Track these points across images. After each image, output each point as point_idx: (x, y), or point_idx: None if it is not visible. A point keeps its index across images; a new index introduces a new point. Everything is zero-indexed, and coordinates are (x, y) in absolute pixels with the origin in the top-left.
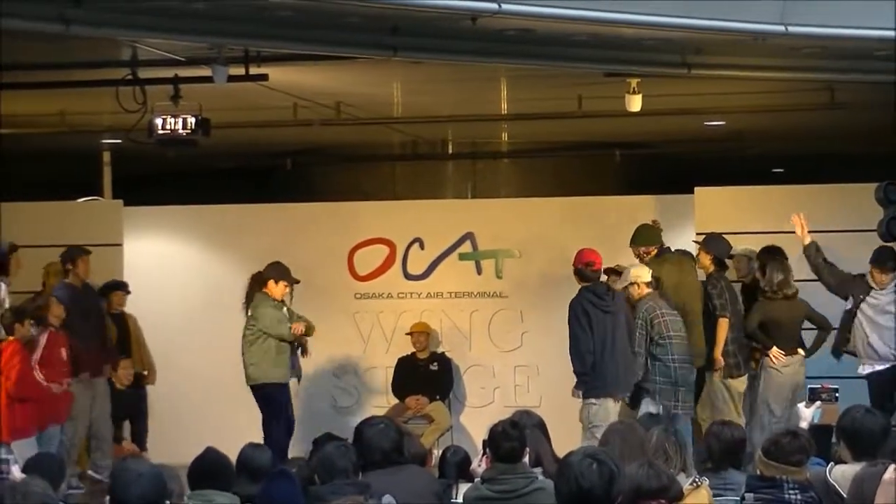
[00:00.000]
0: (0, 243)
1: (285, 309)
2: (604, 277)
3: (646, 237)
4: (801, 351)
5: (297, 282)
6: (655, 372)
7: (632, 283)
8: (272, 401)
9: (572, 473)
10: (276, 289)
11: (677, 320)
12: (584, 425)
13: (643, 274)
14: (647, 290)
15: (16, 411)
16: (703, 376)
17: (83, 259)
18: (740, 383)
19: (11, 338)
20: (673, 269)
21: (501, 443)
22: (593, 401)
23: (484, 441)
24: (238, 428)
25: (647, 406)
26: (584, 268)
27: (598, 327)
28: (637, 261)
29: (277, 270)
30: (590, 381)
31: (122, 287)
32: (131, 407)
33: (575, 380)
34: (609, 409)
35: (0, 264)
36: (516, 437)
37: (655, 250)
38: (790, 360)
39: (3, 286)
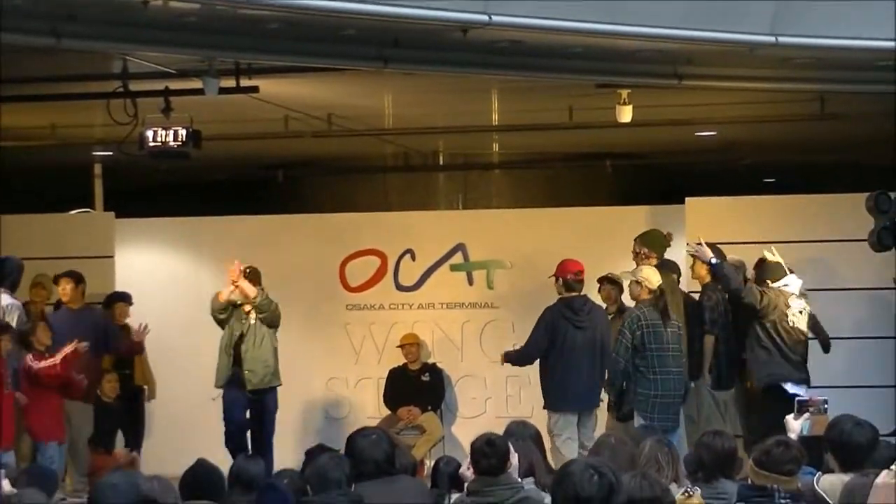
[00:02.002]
0: (15, 259)
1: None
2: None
3: (655, 242)
4: None
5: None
6: (637, 384)
7: (637, 282)
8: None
9: (572, 483)
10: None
11: (662, 332)
12: (549, 433)
13: (652, 279)
14: (646, 296)
15: None
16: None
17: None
18: (728, 395)
19: None
20: (667, 283)
21: (479, 460)
22: (552, 412)
23: (472, 443)
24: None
25: (637, 418)
26: (573, 277)
27: (567, 342)
28: (634, 261)
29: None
30: (544, 390)
31: (124, 299)
32: (122, 420)
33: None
34: (569, 422)
35: (11, 281)
36: (493, 454)
37: (655, 260)
38: None
39: (15, 301)
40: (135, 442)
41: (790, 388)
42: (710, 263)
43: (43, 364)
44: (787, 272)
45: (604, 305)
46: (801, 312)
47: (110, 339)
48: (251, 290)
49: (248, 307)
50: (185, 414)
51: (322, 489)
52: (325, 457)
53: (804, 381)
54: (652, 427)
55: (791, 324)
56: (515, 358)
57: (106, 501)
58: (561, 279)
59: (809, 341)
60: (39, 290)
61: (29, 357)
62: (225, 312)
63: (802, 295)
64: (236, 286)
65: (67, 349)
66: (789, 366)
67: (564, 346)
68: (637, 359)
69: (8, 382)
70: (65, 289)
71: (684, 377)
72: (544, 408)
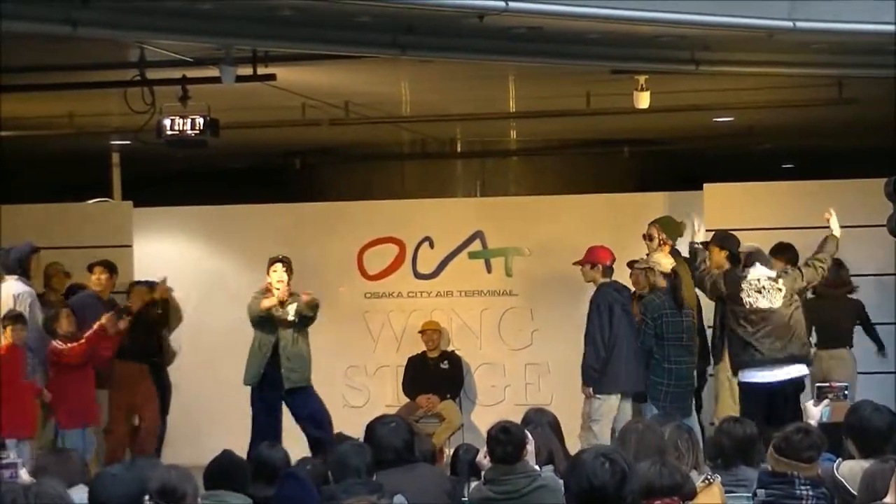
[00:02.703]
0: (22, 245)
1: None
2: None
3: (671, 228)
4: (848, 349)
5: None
6: (652, 372)
7: (649, 268)
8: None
9: (584, 471)
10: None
11: (679, 322)
12: (584, 420)
13: (663, 263)
14: (661, 282)
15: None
16: (703, 375)
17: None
18: None
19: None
20: (682, 270)
21: (495, 447)
22: (599, 396)
23: (488, 431)
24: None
25: (650, 405)
26: (611, 264)
27: (618, 325)
28: (648, 245)
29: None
30: (598, 375)
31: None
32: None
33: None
34: (612, 406)
35: (21, 266)
36: (509, 441)
37: (669, 246)
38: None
39: (25, 287)
40: (162, 411)
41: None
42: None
43: (67, 346)
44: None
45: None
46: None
47: None
48: (292, 313)
49: (289, 316)
50: (203, 402)
51: (342, 477)
52: (346, 445)
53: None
54: (671, 414)
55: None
56: (590, 361)
57: (107, 493)
58: (600, 265)
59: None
60: (62, 278)
61: (55, 343)
62: (262, 319)
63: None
64: (281, 304)
65: (94, 327)
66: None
67: (614, 328)
68: (655, 347)
69: (25, 372)
70: (99, 278)
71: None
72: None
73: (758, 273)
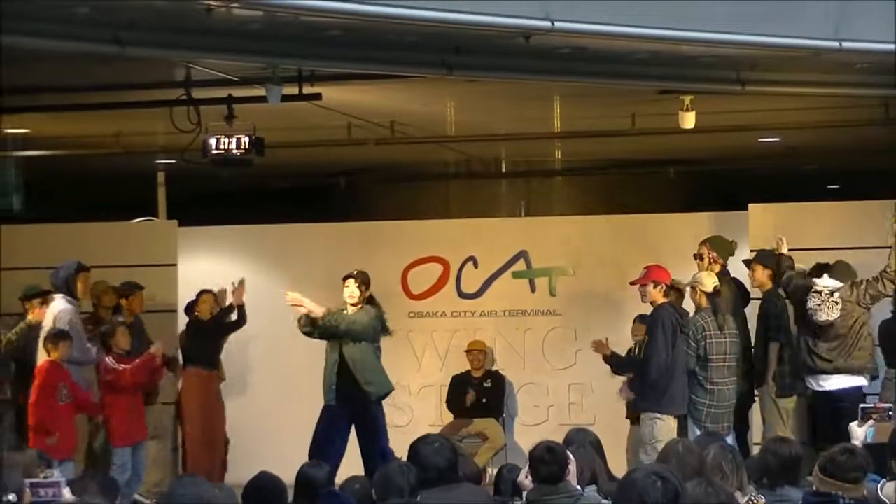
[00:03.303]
0: (67, 263)
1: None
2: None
3: (722, 247)
4: None
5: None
6: (694, 393)
7: (692, 289)
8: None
9: (636, 490)
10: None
11: (723, 343)
12: (646, 440)
13: (706, 283)
14: (705, 303)
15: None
16: (748, 396)
17: (138, 294)
18: (790, 402)
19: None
20: (731, 293)
21: (539, 467)
22: (658, 416)
23: (529, 453)
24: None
25: (692, 425)
26: (672, 284)
27: (677, 346)
28: (698, 265)
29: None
30: (653, 395)
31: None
32: None
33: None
34: (672, 427)
35: (67, 285)
36: (553, 461)
37: (719, 267)
38: None
39: (67, 305)
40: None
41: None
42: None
43: (112, 370)
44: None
45: None
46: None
47: None
48: (317, 309)
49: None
50: (252, 421)
51: (386, 496)
52: (393, 464)
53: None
54: (715, 433)
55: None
56: (651, 377)
57: None
58: (663, 285)
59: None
60: (112, 296)
61: (108, 359)
62: (308, 327)
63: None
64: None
65: (144, 357)
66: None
67: (675, 349)
68: (697, 367)
69: (64, 394)
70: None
71: (738, 386)
72: (646, 410)
73: (822, 284)
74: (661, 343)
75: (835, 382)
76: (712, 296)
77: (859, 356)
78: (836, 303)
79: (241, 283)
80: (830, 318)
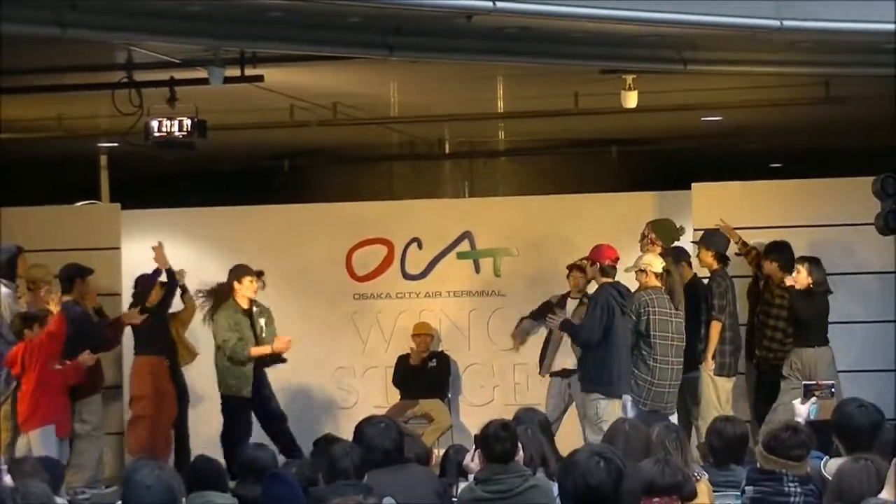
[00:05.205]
0: (5, 246)
1: (256, 309)
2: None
3: (665, 231)
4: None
5: (261, 273)
6: (637, 368)
7: (641, 270)
8: (230, 414)
9: (579, 471)
10: (245, 288)
11: (669, 321)
12: (592, 421)
13: (654, 263)
14: (654, 282)
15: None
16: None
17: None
18: (728, 382)
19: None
20: (673, 271)
21: (493, 444)
22: (601, 397)
23: (476, 436)
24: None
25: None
26: (611, 263)
27: (617, 327)
28: (640, 244)
29: (235, 271)
30: (596, 375)
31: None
32: None
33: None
34: (617, 406)
35: (8, 269)
36: (508, 437)
37: (659, 248)
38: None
39: (5, 290)
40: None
41: None
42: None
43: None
44: None
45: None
46: None
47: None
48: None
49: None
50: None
51: (332, 479)
52: (336, 446)
53: None
54: (662, 413)
55: None
56: (573, 329)
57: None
58: (598, 264)
59: None
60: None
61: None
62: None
63: None
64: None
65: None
66: None
67: (615, 329)
68: (641, 343)
69: None
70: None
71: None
72: (590, 391)
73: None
74: (593, 318)
75: None
76: (662, 276)
77: None
78: None
79: (160, 246)
80: None
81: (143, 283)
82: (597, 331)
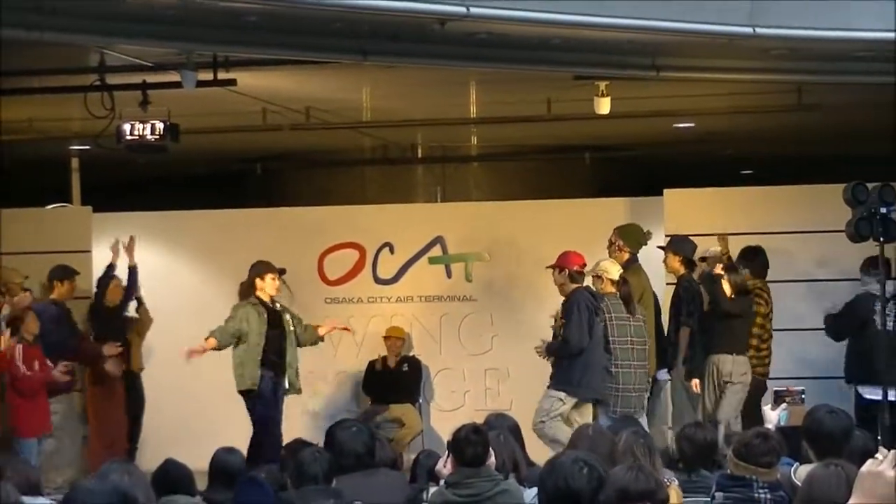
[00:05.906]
0: None
1: (279, 305)
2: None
3: (631, 236)
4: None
5: (284, 271)
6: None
7: (597, 276)
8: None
9: (561, 474)
10: (267, 285)
11: (626, 326)
12: (539, 413)
13: (611, 270)
14: (610, 289)
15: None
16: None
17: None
18: (696, 385)
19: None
20: (640, 280)
21: (465, 448)
22: (561, 396)
23: (448, 442)
24: (215, 434)
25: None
26: (579, 269)
27: (594, 328)
28: (608, 250)
29: (257, 267)
30: (565, 375)
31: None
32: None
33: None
34: (568, 409)
35: None
36: (479, 441)
37: (627, 254)
38: None
39: None
40: (135, 421)
41: None
42: None
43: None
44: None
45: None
46: None
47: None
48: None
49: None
50: (164, 408)
51: (301, 483)
52: (306, 451)
53: None
54: (628, 418)
55: None
56: (561, 349)
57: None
58: (567, 270)
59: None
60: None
61: (18, 348)
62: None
63: None
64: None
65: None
66: None
67: (595, 330)
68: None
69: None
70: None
71: (647, 370)
72: (556, 389)
73: None
74: (576, 323)
75: None
76: (618, 283)
77: None
78: None
79: (132, 240)
80: None
81: (99, 282)
82: (584, 335)
